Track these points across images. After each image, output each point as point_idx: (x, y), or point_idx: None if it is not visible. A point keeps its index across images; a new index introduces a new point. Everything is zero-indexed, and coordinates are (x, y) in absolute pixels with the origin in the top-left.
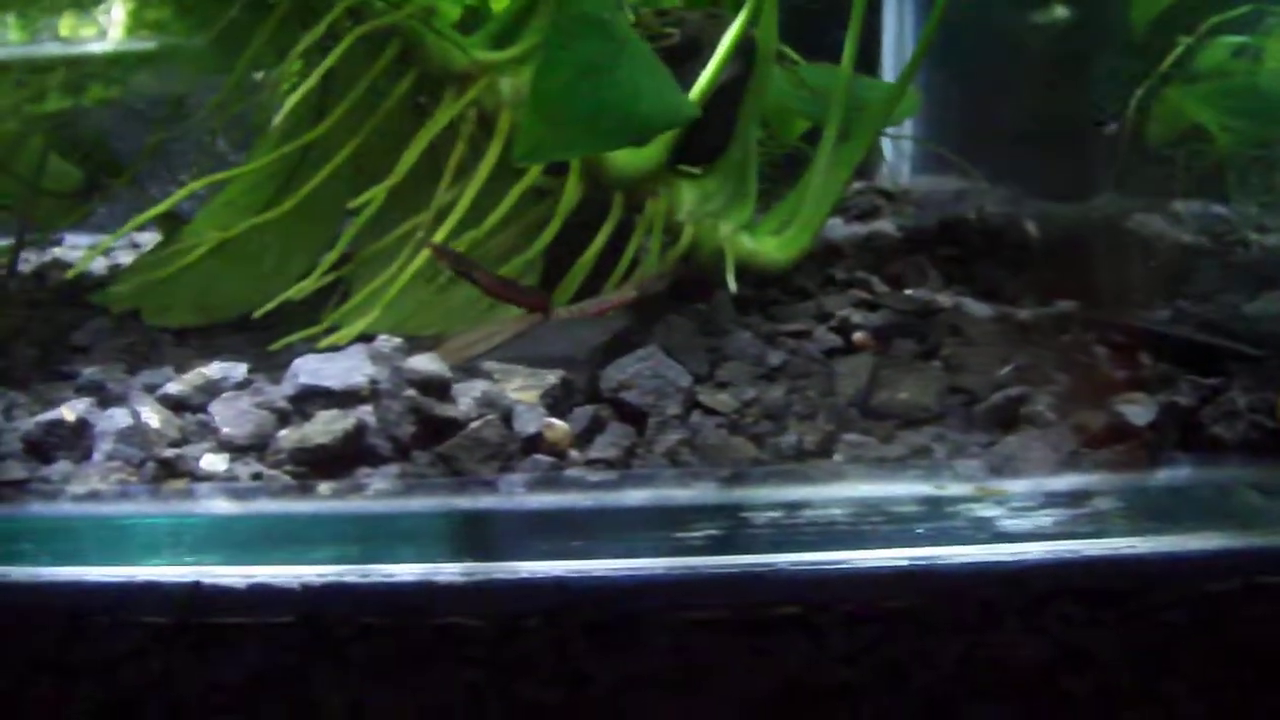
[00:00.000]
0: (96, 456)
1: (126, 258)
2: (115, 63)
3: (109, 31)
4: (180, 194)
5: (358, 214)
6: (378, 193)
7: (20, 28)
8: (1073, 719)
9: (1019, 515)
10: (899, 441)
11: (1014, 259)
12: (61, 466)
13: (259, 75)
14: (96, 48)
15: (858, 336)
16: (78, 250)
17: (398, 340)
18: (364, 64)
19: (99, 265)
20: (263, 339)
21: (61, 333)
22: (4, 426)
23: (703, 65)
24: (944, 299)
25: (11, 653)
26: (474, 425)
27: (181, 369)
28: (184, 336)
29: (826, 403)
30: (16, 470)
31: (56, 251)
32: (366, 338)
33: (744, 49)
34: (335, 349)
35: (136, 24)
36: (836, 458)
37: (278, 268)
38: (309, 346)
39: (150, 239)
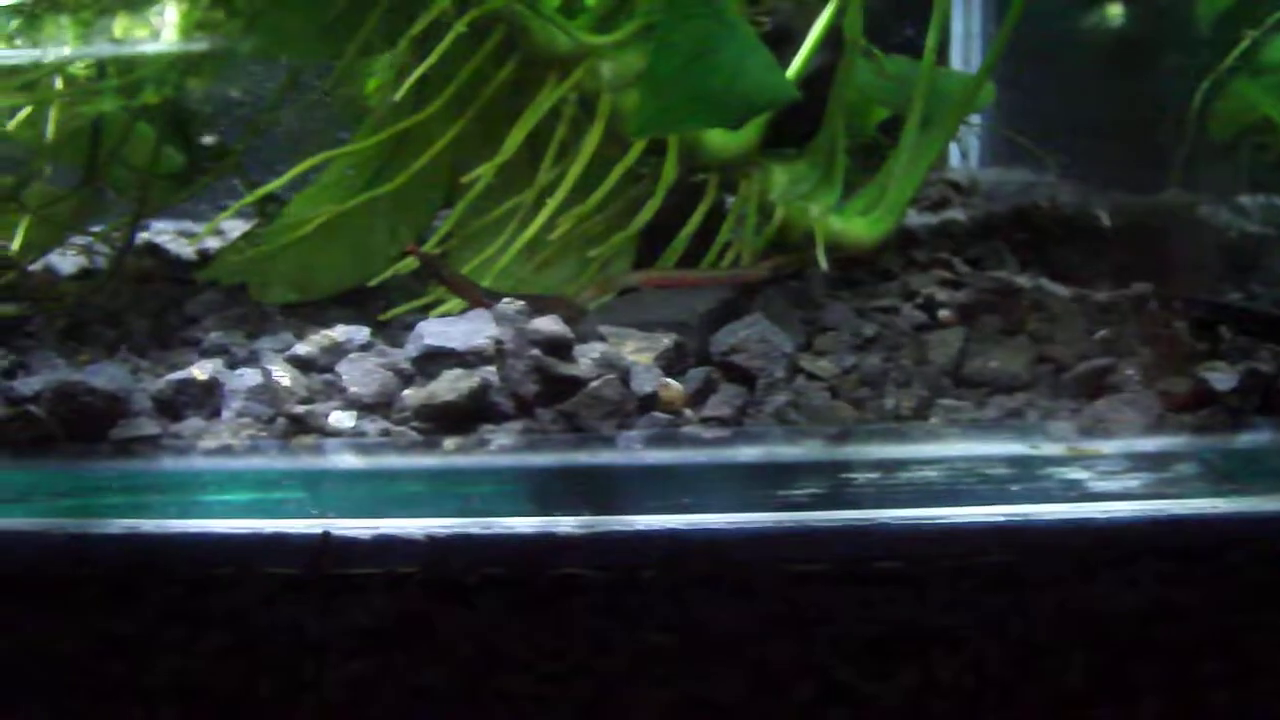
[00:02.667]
0: (226, 414)
1: (214, 242)
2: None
3: (161, 33)
4: (291, 173)
5: (451, 197)
6: (487, 170)
7: (75, 29)
8: (1158, 667)
9: (1108, 475)
10: (992, 406)
11: (1087, 245)
12: (192, 423)
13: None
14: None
15: (944, 313)
16: (163, 235)
17: (520, 303)
18: (464, 49)
19: (200, 245)
20: (368, 311)
21: (172, 305)
22: (132, 387)
23: (793, 53)
24: (1023, 280)
25: (144, 601)
26: (594, 384)
27: (300, 335)
28: (291, 308)
29: (921, 371)
30: (149, 427)
31: (144, 235)
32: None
33: (832, 38)
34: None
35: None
36: (933, 420)
37: (376, 247)
38: (418, 316)
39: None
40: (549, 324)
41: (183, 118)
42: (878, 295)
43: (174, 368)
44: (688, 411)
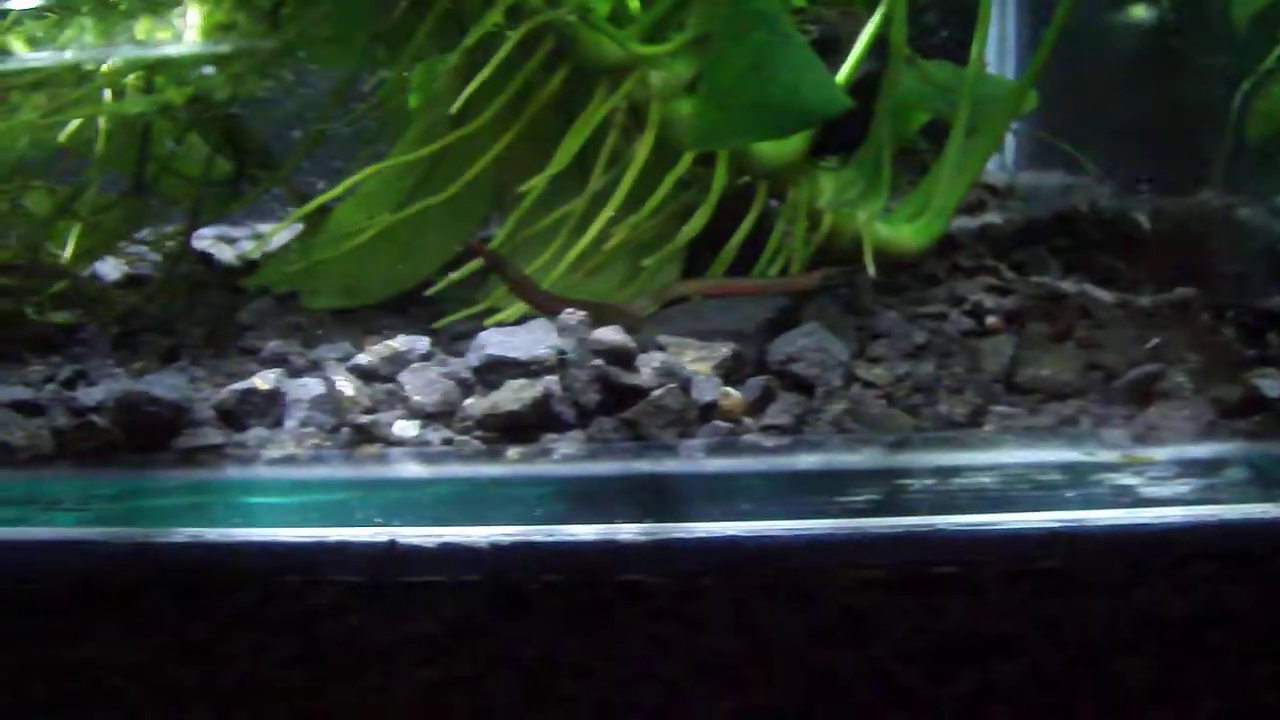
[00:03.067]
0: (289, 423)
1: (248, 244)
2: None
3: (184, 35)
4: (346, 183)
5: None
6: (539, 180)
7: (97, 31)
8: (1212, 671)
9: (1161, 481)
10: (1045, 413)
11: (1128, 249)
12: (256, 433)
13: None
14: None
15: (991, 320)
16: (202, 240)
17: (582, 314)
18: (512, 59)
19: (240, 252)
20: (417, 318)
21: (224, 312)
22: (194, 396)
23: (839, 61)
24: (1067, 286)
25: (210, 609)
26: (656, 393)
27: (357, 345)
28: (344, 316)
29: (973, 378)
30: (213, 436)
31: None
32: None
33: (877, 46)
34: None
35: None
36: (988, 427)
37: (423, 254)
38: (471, 325)
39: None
40: (612, 334)
41: (233, 127)
42: (924, 301)
43: (232, 376)
44: (747, 420)
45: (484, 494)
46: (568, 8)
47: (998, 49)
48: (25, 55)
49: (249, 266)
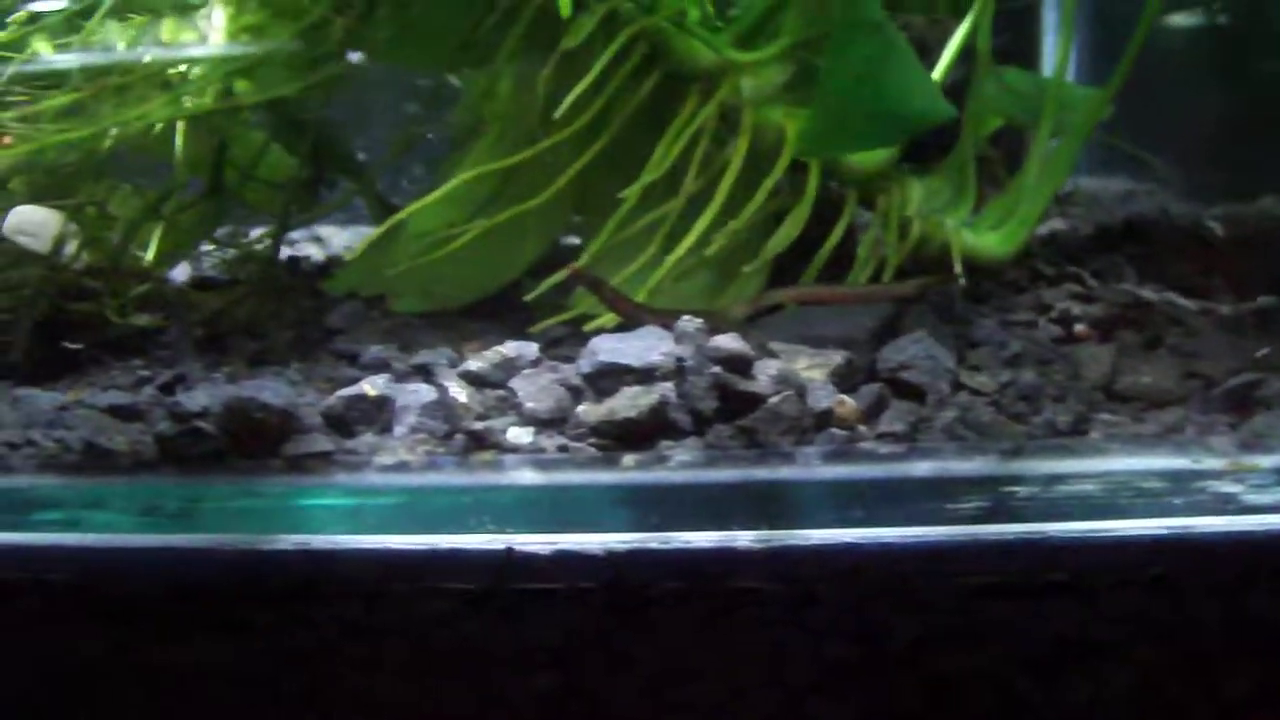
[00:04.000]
0: (399, 430)
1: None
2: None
3: (209, 37)
4: (442, 189)
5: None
6: (634, 189)
7: (123, 34)
8: None
9: (1267, 489)
10: (1149, 421)
11: (1201, 257)
12: (366, 439)
13: None
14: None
15: (1079, 328)
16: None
17: (699, 320)
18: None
19: (318, 255)
20: (510, 322)
21: (312, 316)
22: (297, 401)
23: (928, 68)
24: (1148, 294)
25: (318, 619)
26: (773, 400)
27: (456, 349)
28: (433, 320)
29: (1074, 386)
30: (322, 443)
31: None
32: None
33: (965, 53)
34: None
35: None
36: (1094, 435)
37: (504, 259)
38: (566, 330)
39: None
40: (729, 341)
41: (318, 131)
42: (1011, 309)
43: (331, 381)
44: (861, 427)
45: (599, 501)
46: (663, 14)
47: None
48: (109, 52)
49: (323, 270)
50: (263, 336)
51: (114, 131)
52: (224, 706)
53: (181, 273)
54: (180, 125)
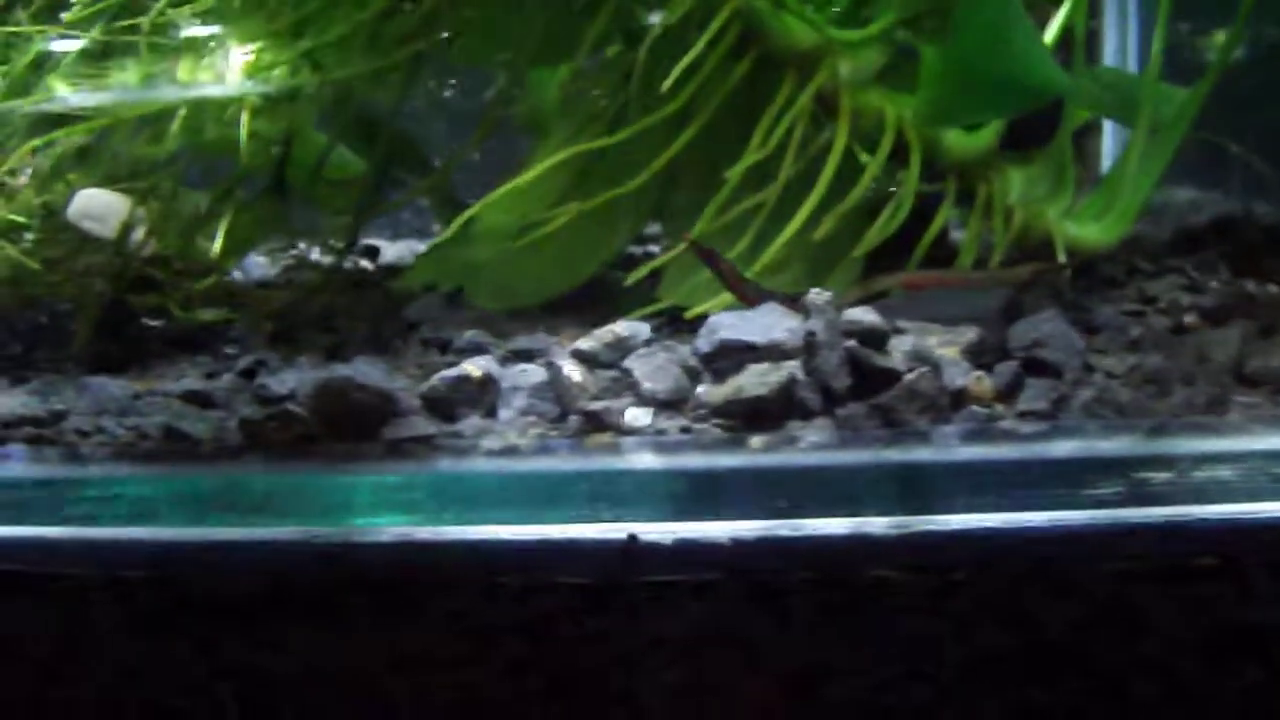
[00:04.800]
0: (505, 413)
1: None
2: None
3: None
4: (519, 179)
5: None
6: (736, 171)
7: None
8: None
9: None
10: None
11: None
12: (471, 422)
13: None
14: None
15: (1189, 318)
16: None
17: (829, 294)
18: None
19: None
20: (593, 317)
21: (389, 311)
22: (390, 386)
23: None
24: (1251, 287)
25: (423, 616)
26: (909, 377)
27: (552, 335)
28: (515, 315)
29: (1202, 369)
30: (423, 426)
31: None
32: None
33: (1065, 42)
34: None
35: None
36: (1233, 415)
37: (582, 255)
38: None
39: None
40: (865, 314)
41: (385, 129)
42: (1116, 301)
43: (423, 368)
44: (999, 406)
45: (725, 484)
46: None
47: (1117, 44)
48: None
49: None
50: (336, 331)
51: (182, 112)
52: (319, 713)
53: (248, 269)
54: (245, 120)
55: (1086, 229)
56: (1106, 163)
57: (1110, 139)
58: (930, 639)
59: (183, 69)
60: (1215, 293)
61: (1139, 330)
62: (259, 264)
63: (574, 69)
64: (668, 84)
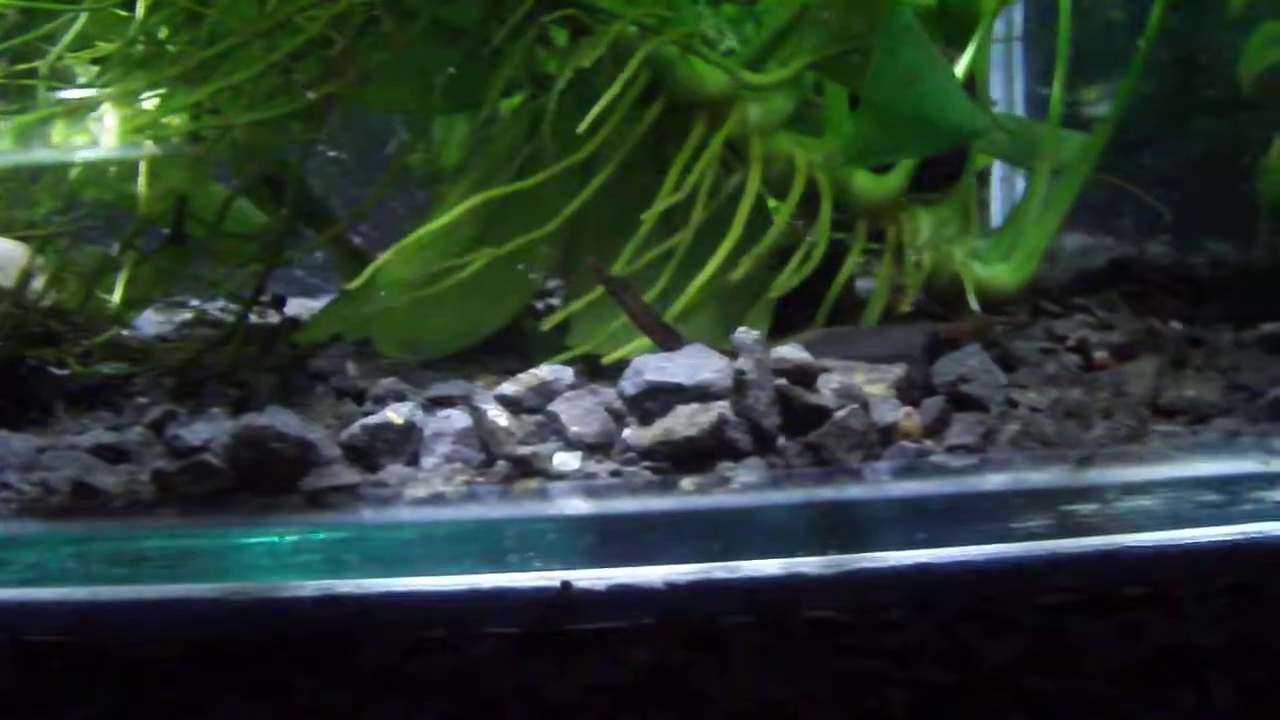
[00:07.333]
0: (430, 460)
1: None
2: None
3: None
4: (420, 231)
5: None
6: (651, 215)
7: (12, 135)
8: None
9: None
10: (1209, 429)
11: (1191, 293)
12: (395, 470)
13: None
14: None
15: (1099, 354)
16: None
17: (756, 333)
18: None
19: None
20: (501, 368)
21: (296, 363)
22: (306, 434)
23: None
24: (1155, 324)
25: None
26: (840, 414)
27: (471, 381)
28: (432, 364)
29: (1121, 402)
30: (346, 475)
31: None
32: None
33: (968, 86)
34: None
35: None
36: (1155, 444)
37: (489, 306)
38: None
39: None
40: (794, 352)
41: (282, 179)
42: (1025, 340)
43: (340, 418)
44: (927, 441)
45: (658, 528)
46: (670, 37)
47: (1005, 100)
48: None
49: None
50: (242, 384)
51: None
52: None
53: (136, 325)
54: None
55: (994, 270)
56: (996, 207)
57: (997, 183)
58: (871, 676)
59: (77, 118)
60: (1121, 330)
61: (1054, 366)
62: (151, 319)
63: (480, 116)
64: (583, 128)
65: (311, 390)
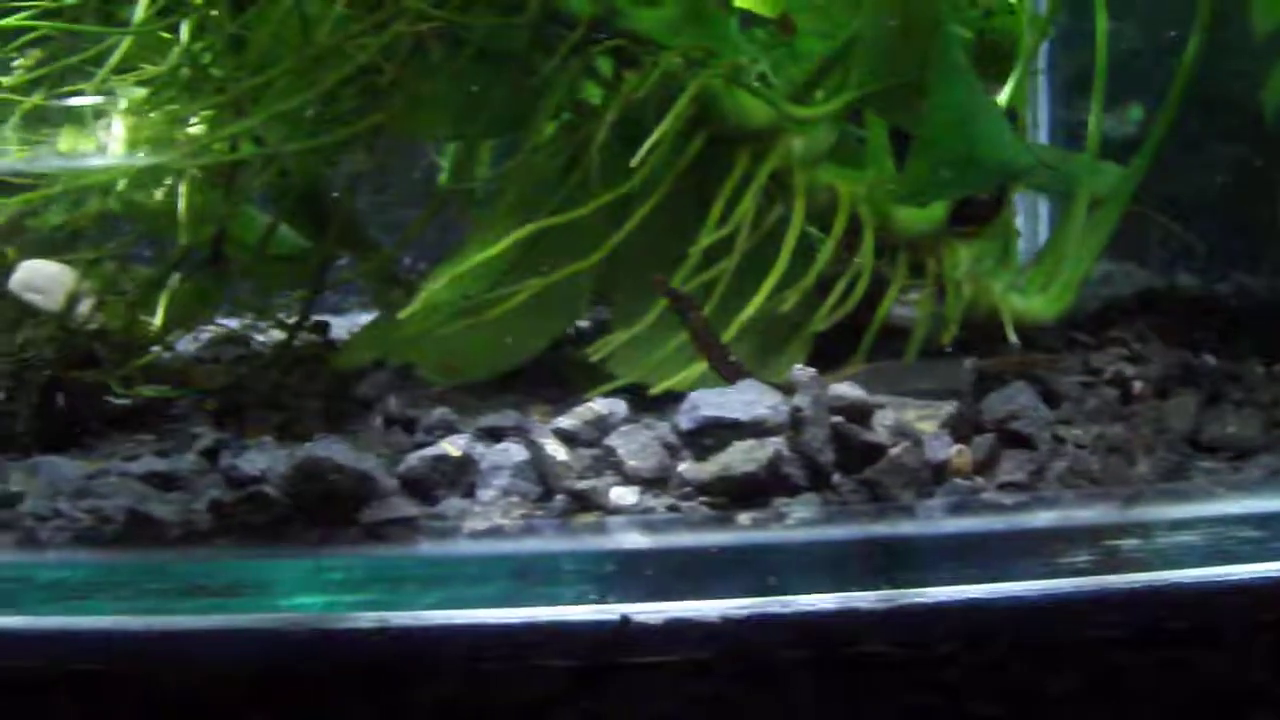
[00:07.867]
0: (486, 493)
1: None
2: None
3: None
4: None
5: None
6: (697, 249)
7: (20, 144)
8: None
9: None
10: (1251, 465)
11: (1221, 323)
12: (452, 503)
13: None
14: None
15: (1137, 387)
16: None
17: (813, 370)
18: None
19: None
20: (544, 396)
21: (340, 389)
22: (363, 465)
23: None
24: (1188, 356)
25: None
26: (894, 451)
27: (524, 413)
28: (474, 389)
29: (1163, 438)
30: (405, 508)
31: None
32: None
33: (1010, 119)
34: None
35: None
36: (1198, 480)
37: (529, 332)
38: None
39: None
40: (850, 389)
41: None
42: (1064, 371)
43: (390, 448)
44: (978, 478)
45: (714, 563)
46: (716, 69)
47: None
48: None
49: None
50: (285, 408)
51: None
52: None
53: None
54: (183, 190)
55: (1033, 302)
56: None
57: (1023, 214)
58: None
59: (122, 138)
60: (1156, 363)
61: (1095, 401)
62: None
63: (527, 145)
64: (636, 160)
65: (357, 416)
